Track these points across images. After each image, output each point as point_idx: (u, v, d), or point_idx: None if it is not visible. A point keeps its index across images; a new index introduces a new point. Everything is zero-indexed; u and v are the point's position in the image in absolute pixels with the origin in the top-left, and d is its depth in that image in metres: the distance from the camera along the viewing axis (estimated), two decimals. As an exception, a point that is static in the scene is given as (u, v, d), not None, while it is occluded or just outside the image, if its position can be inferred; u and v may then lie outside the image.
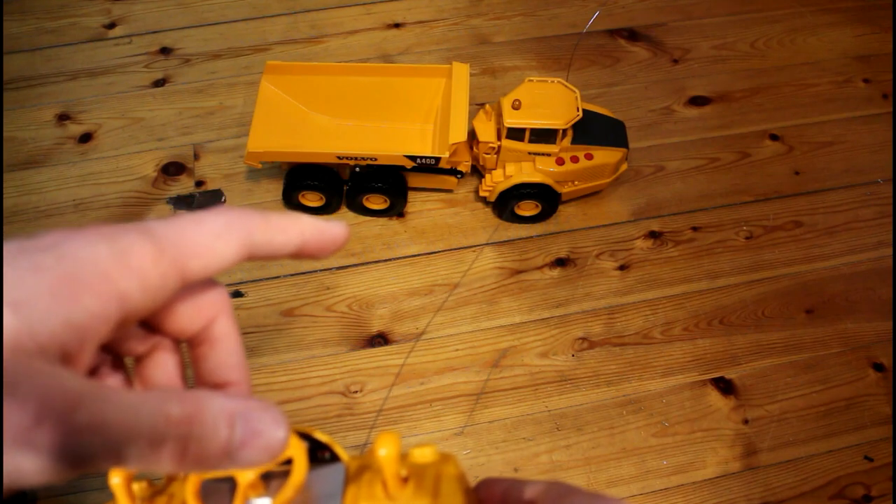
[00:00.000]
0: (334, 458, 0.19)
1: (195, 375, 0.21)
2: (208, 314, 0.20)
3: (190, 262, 0.18)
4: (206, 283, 0.21)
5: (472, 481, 0.22)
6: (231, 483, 0.18)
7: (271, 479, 0.18)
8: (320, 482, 0.19)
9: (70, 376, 0.15)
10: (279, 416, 0.17)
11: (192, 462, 0.16)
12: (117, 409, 0.15)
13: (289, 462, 0.18)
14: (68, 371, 0.16)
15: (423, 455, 0.19)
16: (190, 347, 0.21)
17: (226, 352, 0.21)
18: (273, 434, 0.17)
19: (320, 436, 0.20)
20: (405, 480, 0.18)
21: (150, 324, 0.20)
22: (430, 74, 0.85)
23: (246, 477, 0.18)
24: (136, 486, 0.19)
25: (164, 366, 0.21)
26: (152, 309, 0.18)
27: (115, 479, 0.18)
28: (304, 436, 0.20)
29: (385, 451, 0.17)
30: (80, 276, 0.16)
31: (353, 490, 0.18)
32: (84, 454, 0.15)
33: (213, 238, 0.19)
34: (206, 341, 0.21)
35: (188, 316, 0.20)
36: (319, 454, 0.19)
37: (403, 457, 0.19)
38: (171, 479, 0.19)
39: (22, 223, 0.84)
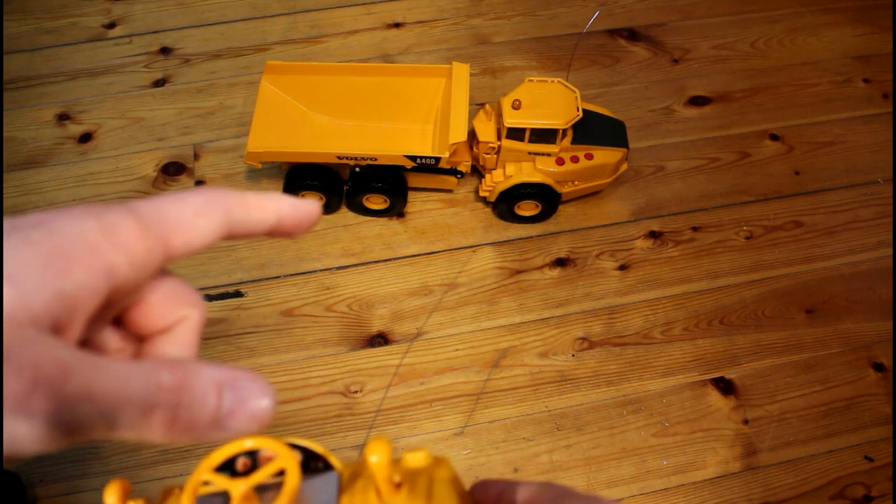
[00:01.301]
0: (328, 467, 0.19)
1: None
2: (179, 313, 0.21)
3: (173, 239, 0.19)
4: (183, 286, 0.21)
5: (472, 482, 0.22)
6: (225, 497, 0.18)
7: (265, 491, 0.18)
8: (314, 492, 0.19)
9: (62, 346, 0.16)
10: (266, 386, 0.17)
11: (182, 430, 0.16)
12: (109, 377, 0.16)
13: (282, 474, 0.18)
14: (60, 341, 0.16)
15: (416, 459, 0.19)
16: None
17: (177, 343, 0.20)
18: (259, 402, 0.17)
19: (313, 446, 0.20)
20: (398, 486, 0.18)
21: (120, 318, 0.20)
22: (430, 74, 0.85)
23: (239, 489, 0.18)
24: None
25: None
26: (138, 285, 0.19)
27: (110, 499, 0.18)
28: (297, 447, 0.20)
29: (376, 457, 0.17)
30: (69, 249, 0.17)
31: (346, 498, 0.18)
32: (77, 421, 0.15)
33: (195, 215, 0.19)
34: (163, 331, 0.21)
35: (160, 312, 0.20)
36: (313, 464, 0.19)
37: (396, 462, 0.19)
38: (166, 495, 0.19)
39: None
